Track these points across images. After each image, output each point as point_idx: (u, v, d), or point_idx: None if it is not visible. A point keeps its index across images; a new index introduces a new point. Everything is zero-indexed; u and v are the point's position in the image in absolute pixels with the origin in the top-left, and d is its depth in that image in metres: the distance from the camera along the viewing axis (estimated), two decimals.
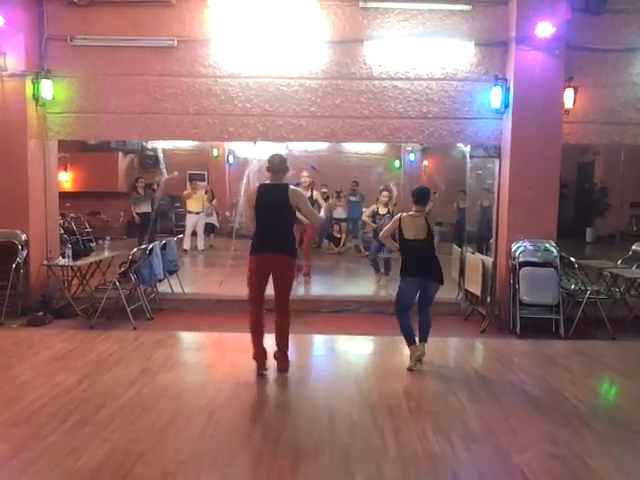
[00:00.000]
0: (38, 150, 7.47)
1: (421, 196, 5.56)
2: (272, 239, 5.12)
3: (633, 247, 8.13)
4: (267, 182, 5.30)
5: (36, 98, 7.28)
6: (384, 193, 9.54)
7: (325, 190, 13.60)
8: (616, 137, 7.42)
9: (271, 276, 5.20)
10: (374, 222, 9.41)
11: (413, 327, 5.48)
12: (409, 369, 5.34)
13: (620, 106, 7.30)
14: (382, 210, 9.44)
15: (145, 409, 4.39)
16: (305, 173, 9.60)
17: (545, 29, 6.62)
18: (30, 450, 3.71)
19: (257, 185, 5.37)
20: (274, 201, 5.15)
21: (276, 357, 5.32)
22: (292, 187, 5.27)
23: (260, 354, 5.22)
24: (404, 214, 5.54)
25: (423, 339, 5.44)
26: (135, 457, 3.65)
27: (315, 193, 9.84)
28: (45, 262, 7.25)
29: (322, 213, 9.31)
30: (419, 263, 5.45)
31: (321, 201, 9.62)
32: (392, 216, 9.26)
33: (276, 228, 5.16)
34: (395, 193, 10.20)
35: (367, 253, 11.98)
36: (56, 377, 5.02)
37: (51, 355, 5.69)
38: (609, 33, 7.18)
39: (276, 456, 3.71)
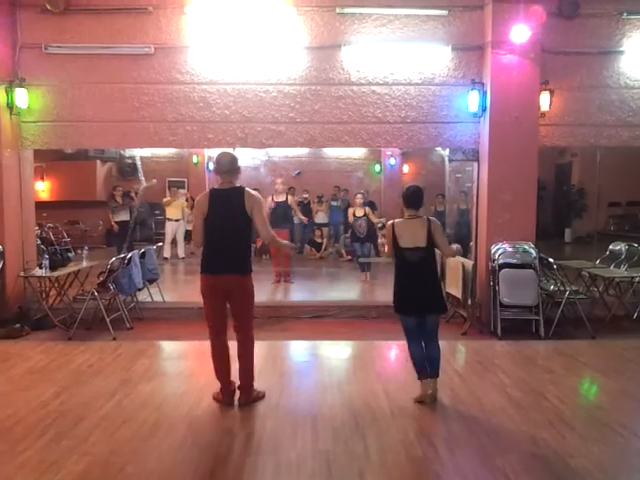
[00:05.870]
0: (13, 160, 7.36)
1: (414, 198, 4.75)
2: (224, 255, 4.46)
3: (610, 247, 8.24)
4: (218, 187, 4.60)
5: (10, 107, 7.18)
6: (358, 195, 10.35)
7: (306, 195, 13.66)
8: (591, 139, 7.53)
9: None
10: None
11: (424, 356, 4.72)
12: (415, 400, 4.70)
13: (595, 108, 7.42)
14: (358, 212, 10.11)
15: (126, 420, 4.32)
16: (279, 180, 9.67)
17: (520, 33, 6.72)
18: (5, 466, 3.63)
19: (208, 190, 4.62)
20: (228, 209, 4.45)
21: (239, 387, 4.67)
22: (249, 191, 4.52)
23: (226, 388, 4.64)
24: (396, 220, 4.76)
25: (433, 374, 4.69)
26: (116, 470, 3.59)
27: (290, 199, 9.92)
28: (22, 273, 7.13)
29: (298, 217, 9.44)
30: (414, 289, 4.64)
31: (295, 207, 9.69)
32: (366, 217, 9.76)
33: (229, 241, 4.46)
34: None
35: (349, 258, 12.13)
36: (33, 390, 4.93)
37: (28, 368, 5.58)
38: (583, 37, 7.30)
39: (258, 464, 3.68)
